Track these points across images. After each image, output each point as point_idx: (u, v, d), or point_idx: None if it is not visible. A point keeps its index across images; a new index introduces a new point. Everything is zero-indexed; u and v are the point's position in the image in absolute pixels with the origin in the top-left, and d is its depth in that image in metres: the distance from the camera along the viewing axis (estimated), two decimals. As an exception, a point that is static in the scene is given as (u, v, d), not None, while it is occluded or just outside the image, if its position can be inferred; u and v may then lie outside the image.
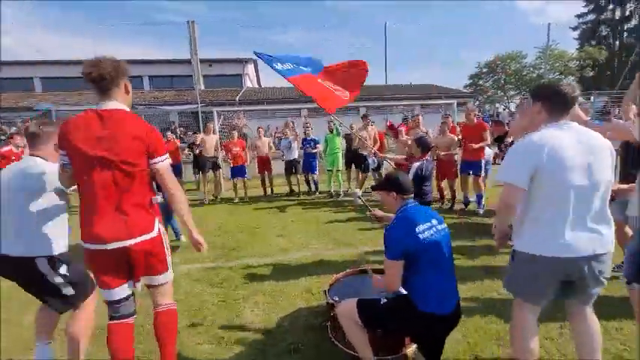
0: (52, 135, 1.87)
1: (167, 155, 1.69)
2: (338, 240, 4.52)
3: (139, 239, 1.59)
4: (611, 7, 27.41)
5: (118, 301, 1.67)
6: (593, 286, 1.52)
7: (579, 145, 1.46)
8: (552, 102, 1.54)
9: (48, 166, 1.86)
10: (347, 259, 3.81)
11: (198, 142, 7.56)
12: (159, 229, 1.70)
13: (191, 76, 19.15)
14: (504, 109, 22.39)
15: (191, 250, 2.35)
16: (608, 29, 27.75)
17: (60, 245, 1.87)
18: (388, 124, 7.94)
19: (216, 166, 7.71)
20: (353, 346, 2.03)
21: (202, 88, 19.06)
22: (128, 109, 1.65)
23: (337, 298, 2.24)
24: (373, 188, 2.16)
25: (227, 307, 2.86)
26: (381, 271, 2.38)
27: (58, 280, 1.83)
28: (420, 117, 6.64)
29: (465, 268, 3.32)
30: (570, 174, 1.43)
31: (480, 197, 5.44)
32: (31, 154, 1.91)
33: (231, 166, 7.46)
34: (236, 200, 7.42)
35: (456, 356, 2.06)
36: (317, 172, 7.77)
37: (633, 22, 26.39)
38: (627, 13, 26.85)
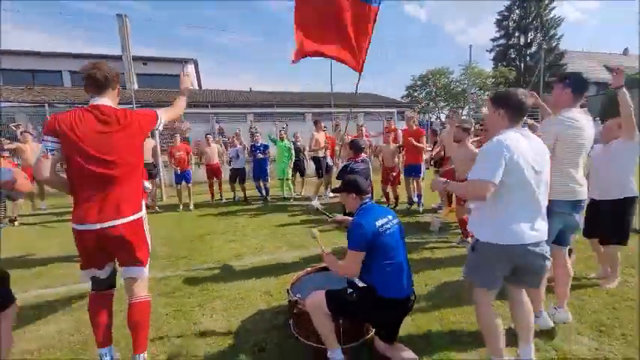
0: None
1: (160, 115, 2.03)
2: (291, 242, 4.61)
3: (126, 220, 1.82)
4: (517, 34, 32.22)
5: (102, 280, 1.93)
6: (540, 264, 1.77)
7: (531, 149, 1.70)
8: (513, 109, 1.74)
9: None
10: (302, 260, 3.91)
11: None
12: (144, 212, 1.97)
13: (122, 73, 17.68)
14: (436, 119, 24.82)
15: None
16: (515, 53, 32.52)
17: None
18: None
19: (152, 175, 7.06)
20: (316, 339, 2.15)
21: (136, 87, 17.66)
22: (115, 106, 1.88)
23: (300, 296, 2.34)
24: (334, 191, 2.32)
25: (183, 317, 2.75)
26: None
27: None
28: (364, 127, 7.22)
29: (409, 261, 3.66)
30: (528, 174, 1.66)
31: (419, 197, 6.06)
32: None
33: (175, 171, 7.08)
34: (180, 208, 7.04)
35: (407, 336, 2.29)
36: (268, 179, 7.77)
37: (533, 48, 31.30)
38: (529, 40, 31.78)
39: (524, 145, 1.69)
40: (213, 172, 7.53)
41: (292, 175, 7.80)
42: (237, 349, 2.28)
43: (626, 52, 35.95)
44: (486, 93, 25.50)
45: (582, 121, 2.15)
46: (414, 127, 6.05)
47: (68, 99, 13.69)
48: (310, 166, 7.97)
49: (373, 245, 1.83)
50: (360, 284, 1.96)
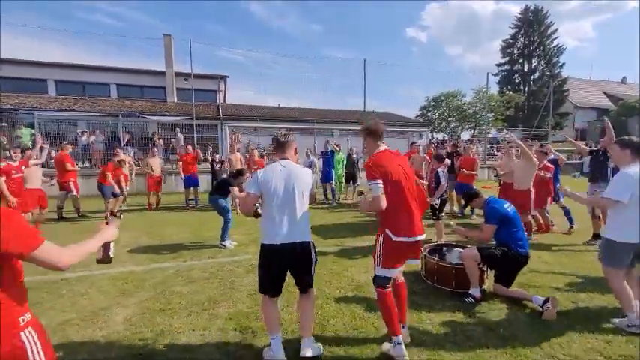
0: (294, 142, 2.37)
1: None
2: (364, 237, 5.64)
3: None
4: (521, 60, 34.25)
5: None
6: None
7: None
8: (637, 150, 2.55)
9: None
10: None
11: (223, 160, 8.45)
12: None
13: (162, 87, 18.96)
14: (451, 139, 26.30)
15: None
16: (520, 78, 34.46)
17: None
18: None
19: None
20: (452, 285, 3.23)
21: (175, 100, 18.97)
22: None
23: (436, 257, 3.44)
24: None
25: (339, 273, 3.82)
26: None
27: (314, 260, 2.29)
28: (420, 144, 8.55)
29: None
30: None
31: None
32: (283, 159, 2.30)
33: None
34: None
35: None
36: (334, 182, 9.07)
37: (537, 74, 33.26)
38: (533, 66, 33.77)
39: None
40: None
41: (346, 182, 9.29)
42: (396, 290, 3.33)
43: (624, 80, 37.94)
44: (496, 115, 27.02)
45: None
46: (471, 156, 7.14)
47: (120, 108, 14.91)
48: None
49: (505, 219, 2.99)
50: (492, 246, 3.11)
